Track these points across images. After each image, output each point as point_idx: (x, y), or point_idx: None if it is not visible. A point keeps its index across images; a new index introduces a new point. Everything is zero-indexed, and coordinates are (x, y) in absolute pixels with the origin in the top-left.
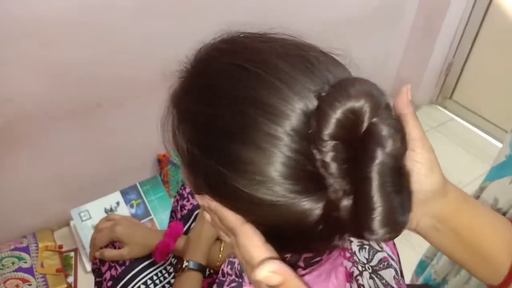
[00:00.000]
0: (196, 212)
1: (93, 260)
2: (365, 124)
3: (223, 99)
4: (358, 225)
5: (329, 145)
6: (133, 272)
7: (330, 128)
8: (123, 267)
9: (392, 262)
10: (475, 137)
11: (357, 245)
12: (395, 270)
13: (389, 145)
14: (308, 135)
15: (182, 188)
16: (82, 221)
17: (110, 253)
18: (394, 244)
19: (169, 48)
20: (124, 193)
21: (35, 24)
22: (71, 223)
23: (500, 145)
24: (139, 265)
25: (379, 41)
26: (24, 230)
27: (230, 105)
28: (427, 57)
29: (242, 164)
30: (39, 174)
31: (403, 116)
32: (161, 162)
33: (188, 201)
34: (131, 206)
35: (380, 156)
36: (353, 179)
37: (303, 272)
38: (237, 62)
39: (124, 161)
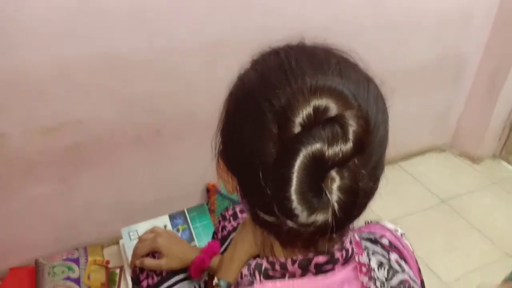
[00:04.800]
0: (234, 234)
1: (133, 267)
2: (326, 117)
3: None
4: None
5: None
6: (167, 283)
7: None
8: (159, 277)
9: (415, 285)
10: None
11: (376, 263)
12: None
13: (323, 142)
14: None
15: (225, 210)
16: (131, 240)
17: (149, 262)
18: (419, 270)
19: (227, 90)
20: (172, 217)
21: (112, 60)
22: (121, 241)
23: None
24: (174, 277)
25: (440, 93)
26: (77, 243)
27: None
28: (490, 110)
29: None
30: (98, 193)
31: None
32: (210, 191)
33: (229, 222)
34: (177, 230)
35: (310, 146)
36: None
37: (313, 277)
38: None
39: (175, 187)
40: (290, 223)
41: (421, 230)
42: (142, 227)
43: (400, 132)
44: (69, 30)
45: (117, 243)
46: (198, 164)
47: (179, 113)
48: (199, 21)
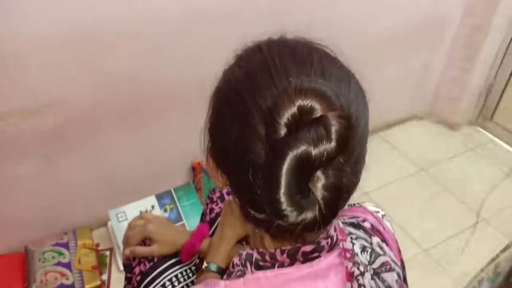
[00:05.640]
0: None
1: (125, 256)
2: (311, 118)
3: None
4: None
5: (282, 128)
6: (160, 269)
7: (284, 115)
8: (151, 263)
9: (395, 266)
10: None
11: (359, 247)
12: (398, 274)
13: (309, 144)
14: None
15: (212, 192)
16: (119, 222)
17: (141, 249)
18: (399, 251)
19: (211, 62)
20: (159, 197)
21: (90, 33)
22: (109, 223)
23: None
24: (166, 263)
25: (419, 57)
26: (65, 227)
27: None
28: (467, 77)
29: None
30: (83, 175)
31: None
32: (195, 170)
33: (217, 204)
34: (165, 210)
35: (297, 149)
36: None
37: (301, 265)
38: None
39: (161, 167)
40: (280, 222)
41: (401, 198)
42: (130, 209)
43: (380, 101)
44: (45, 3)
45: (106, 225)
46: (183, 142)
47: (163, 88)
48: None
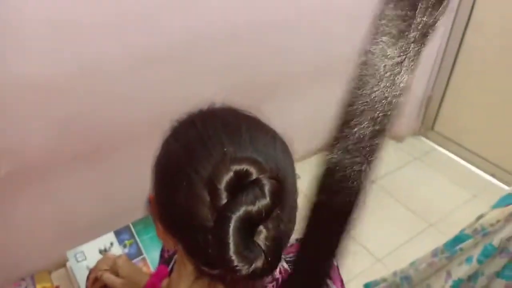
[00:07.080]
0: None
1: (91, 281)
2: (247, 181)
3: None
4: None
5: (222, 193)
6: None
7: (224, 180)
8: None
9: None
10: (457, 166)
11: None
12: None
13: (248, 204)
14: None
15: None
16: (78, 262)
17: (107, 276)
18: (341, 282)
19: (164, 101)
20: (117, 233)
21: (36, 79)
22: (67, 264)
23: (480, 173)
24: None
25: None
26: (23, 272)
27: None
28: (408, 90)
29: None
30: (38, 218)
31: None
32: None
33: None
34: (124, 246)
35: (239, 211)
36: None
37: None
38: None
39: (117, 203)
40: (233, 275)
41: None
42: (88, 248)
43: (323, 121)
44: None
45: (64, 266)
46: (139, 176)
47: (114, 126)
48: (123, 33)
